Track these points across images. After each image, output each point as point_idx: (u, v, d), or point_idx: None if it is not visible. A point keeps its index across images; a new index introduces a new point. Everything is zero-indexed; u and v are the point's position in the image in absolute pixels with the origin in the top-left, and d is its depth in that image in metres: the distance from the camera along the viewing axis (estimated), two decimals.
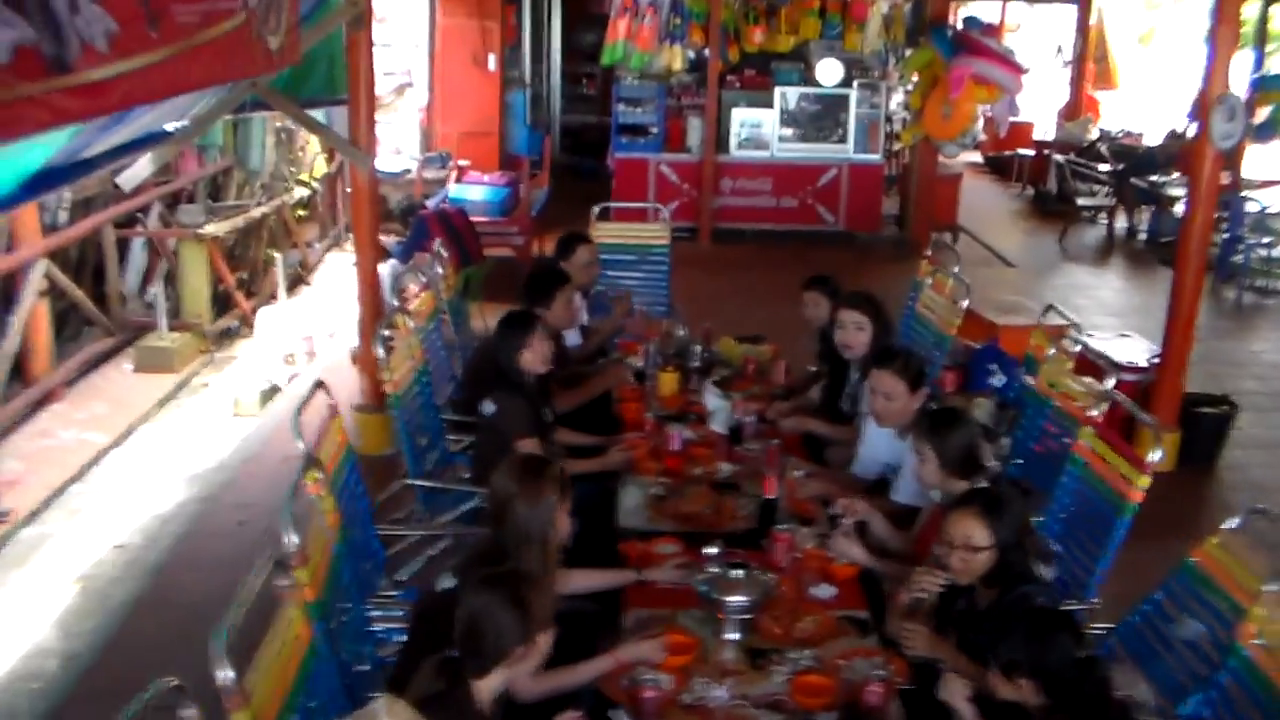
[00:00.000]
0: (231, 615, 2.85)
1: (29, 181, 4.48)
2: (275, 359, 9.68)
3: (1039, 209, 16.60)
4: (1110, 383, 5.08)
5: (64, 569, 6.28)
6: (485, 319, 9.74)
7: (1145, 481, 4.22)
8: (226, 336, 10.39)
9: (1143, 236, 14.85)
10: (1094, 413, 4.81)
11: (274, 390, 8.83)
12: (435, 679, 3.03)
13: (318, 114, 9.01)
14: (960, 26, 12.73)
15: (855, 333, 5.55)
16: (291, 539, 3.41)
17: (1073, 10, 19.56)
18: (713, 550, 4.11)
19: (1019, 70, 11.30)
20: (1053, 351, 5.58)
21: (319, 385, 4.47)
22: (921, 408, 4.77)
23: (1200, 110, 7.13)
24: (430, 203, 11.75)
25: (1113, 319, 11.22)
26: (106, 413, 8.42)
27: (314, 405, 4.40)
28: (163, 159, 8.74)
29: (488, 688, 3.10)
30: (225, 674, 2.72)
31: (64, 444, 7.83)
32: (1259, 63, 12.62)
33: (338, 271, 12.65)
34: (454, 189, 12.42)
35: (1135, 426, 6.54)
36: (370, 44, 7.31)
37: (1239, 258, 12.26)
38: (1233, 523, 3.91)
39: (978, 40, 11.43)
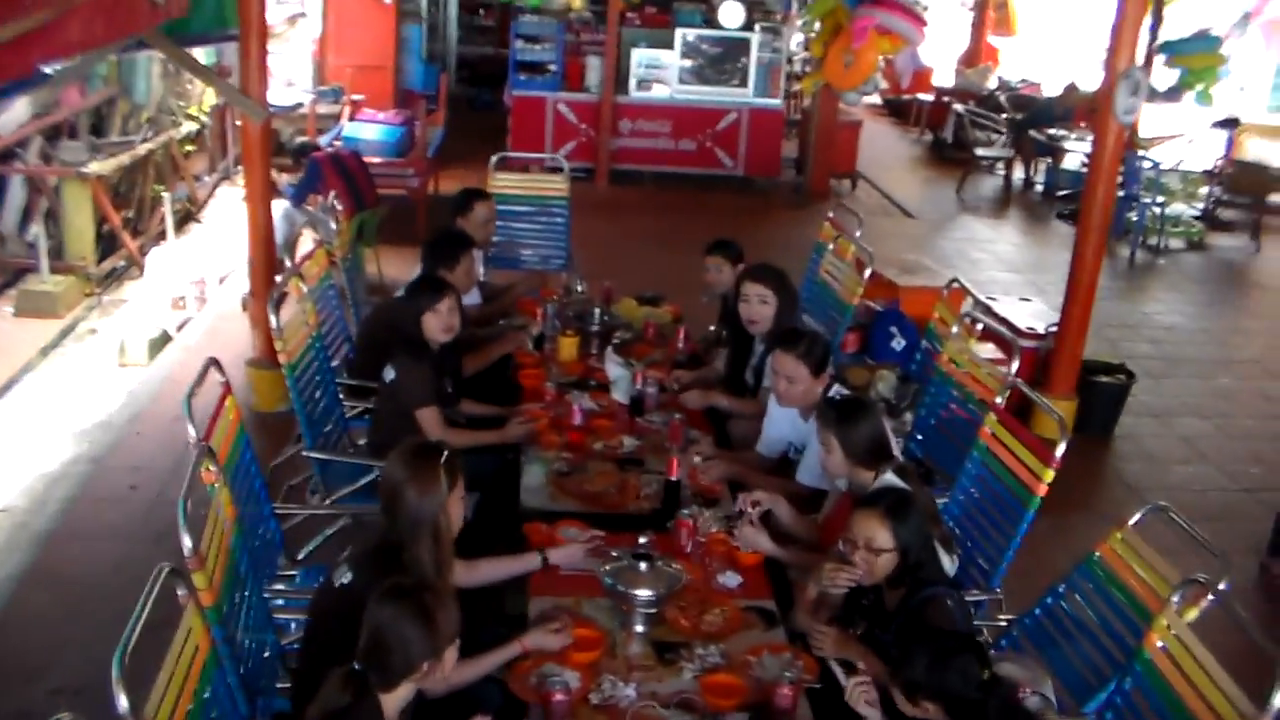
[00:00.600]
0: (127, 635, 2.74)
1: None
2: (165, 303, 9.43)
3: (937, 156, 16.74)
4: (1014, 366, 5.11)
5: None
6: (380, 265, 9.59)
7: (1050, 475, 4.27)
8: (113, 278, 10.09)
9: (1039, 188, 15.05)
10: (999, 400, 4.83)
11: (164, 339, 8.58)
12: (341, 692, 2.96)
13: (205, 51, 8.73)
14: None
15: (759, 306, 5.50)
16: (187, 542, 3.27)
17: None
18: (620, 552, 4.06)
19: (922, 22, 11.27)
20: (956, 330, 5.59)
21: (212, 363, 4.32)
22: (825, 391, 4.76)
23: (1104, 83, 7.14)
24: (323, 140, 11.46)
25: (1010, 275, 11.38)
26: None
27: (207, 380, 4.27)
28: (42, 102, 8.44)
29: (394, 700, 3.04)
30: (122, 703, 2.63)
31: None
32: (1155, 23, 12.72)
33: (228, 207, 12.34)
34: (347, 127, 12.15)
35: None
36: None
37: (1133, 215, 12.47)
38: (1135, 518, 3.96)
39: None
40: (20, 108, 6.04)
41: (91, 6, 4.06)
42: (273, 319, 5.10)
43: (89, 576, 5.59)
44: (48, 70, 5.55)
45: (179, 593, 3.12)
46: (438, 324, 5.20)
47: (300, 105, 12.93)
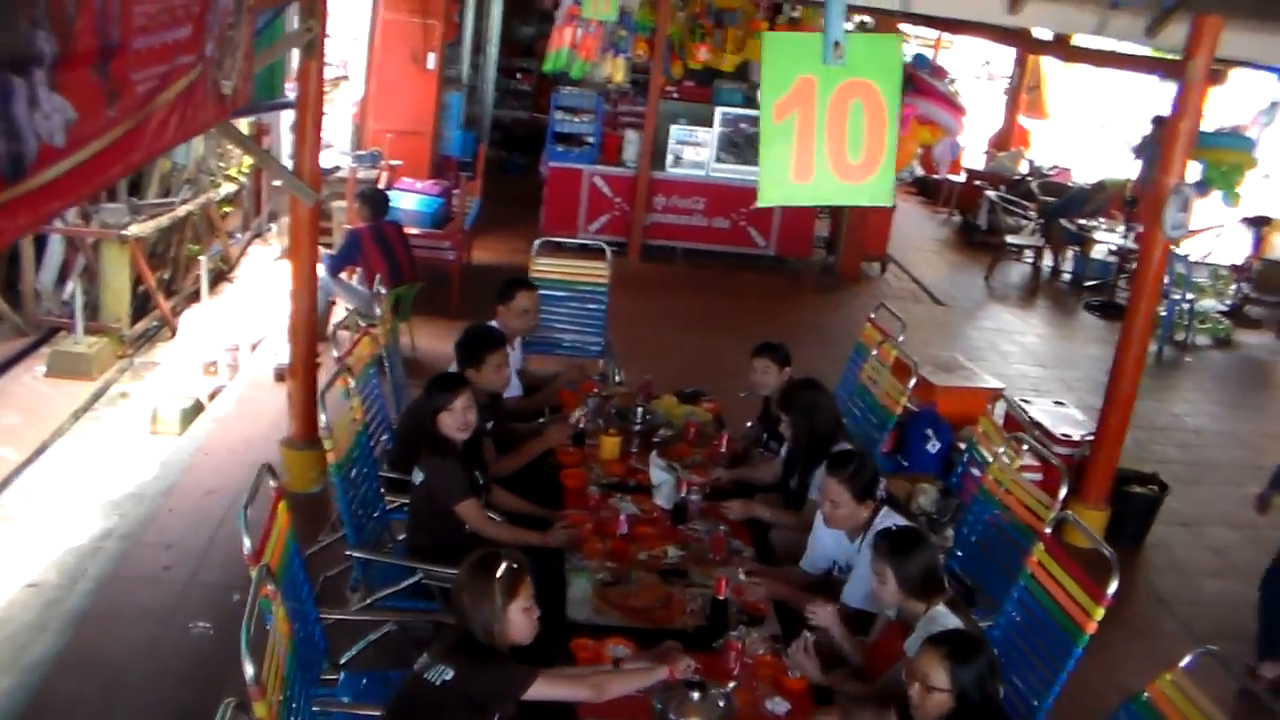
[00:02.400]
0: None
1: None
2: (197, 368, 9.44)
3: (967, 239, 16.72)
4: (1063, 493, 5.09)
5: None
6: (414, 338, 9.60)
7: (1100, 613, 4.23)
8: (146, 339, 10.12)
9: (1066, 277, 15.03)
10: (1049, 530, 4.80)
11: (196, 408, 8.57)
12: None
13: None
14: (909, 65, 12.75)
15: (789, 429, 5.57)
16: (250, 671, 3.24)
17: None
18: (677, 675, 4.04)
19: (962, 112, 11.33)
20: (1002, 450, 5.56)
21: (265, 470, 4.30)
22: (873, 516, 4.75)
23: (1152, 200, 7.13)
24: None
25: (1038, 370, 11.35)
26: (18, 423, 8.17)
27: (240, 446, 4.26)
28: None
29: None
30: None
31: None
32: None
33: (261, 266, 12.39)
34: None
35: (1067, 499, 6.60)
36: (322, 70, 7.08)
37: (1162, 311, 12.43)
38: (1185, 662, 3.92)
39: (925, 81, 11.43)
40: None
41: (166, 110, 4.06)
42: (322, 418, 5.09)
43: (122, 660, 5.55)
44: None
45: None
46: (453, 422, 5.18)
47: (339, 169, 12.99)
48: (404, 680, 3.93)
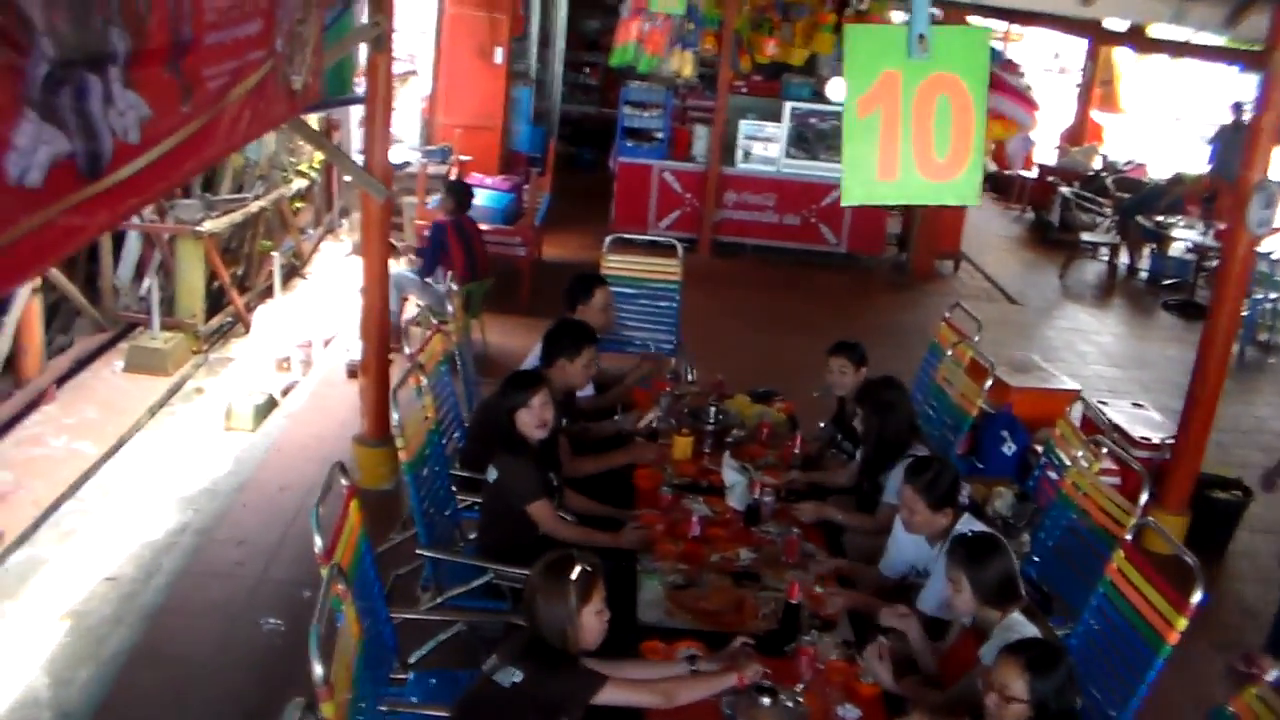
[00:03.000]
0: None
1: None
2: (270, 364, 9.52)
3: (1040, 237, 16.47)
4: (1144, 499, 4.96)
5: (55, 602, 6.14)
6: (485, 334, 9.60)
7: (1183, 624, 4.12)
8: (220, 335, 10.21)
9: (1144, 275, 14.75)
10: (1129, 537, 4.69)
11: (270, 405, 8.64)
12: None
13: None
14: None
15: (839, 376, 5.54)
16: (319, 671, 3.23)
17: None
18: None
19: (1034, 107, 11.16)
20: (1080, 453, 5.45)
21: (337, 467, 4.30)
22: (952, 524, 4.67)
23: (1235, 196, 6.95)
24: (430, 202, 11.53)
25: (1115, 370, 11.14)
26: (97, 418, 8.26)
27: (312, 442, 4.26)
28: None
29: None
30: None
31: (54, 453, 7.68)
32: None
33: (333, 262, 12.48)
34: None
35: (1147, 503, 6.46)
36: (390, 65, 7.07)
37: (1244, 311, 12.15)
38: (1272, 676, 3.80)
39: (997, 75, 11.28)
40: None
41: (239, 106, 4.07)
42: (394, 416, 5.08)
43: (194, 655, 5.59)
44: None
45: None
46: (531, 420, 5.12)
47: (409, 164, 13.03)
48: (472, 681, 3.91)
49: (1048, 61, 24.38)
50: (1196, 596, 4.13)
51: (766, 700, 3.84)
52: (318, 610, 3.39)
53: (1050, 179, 17.10)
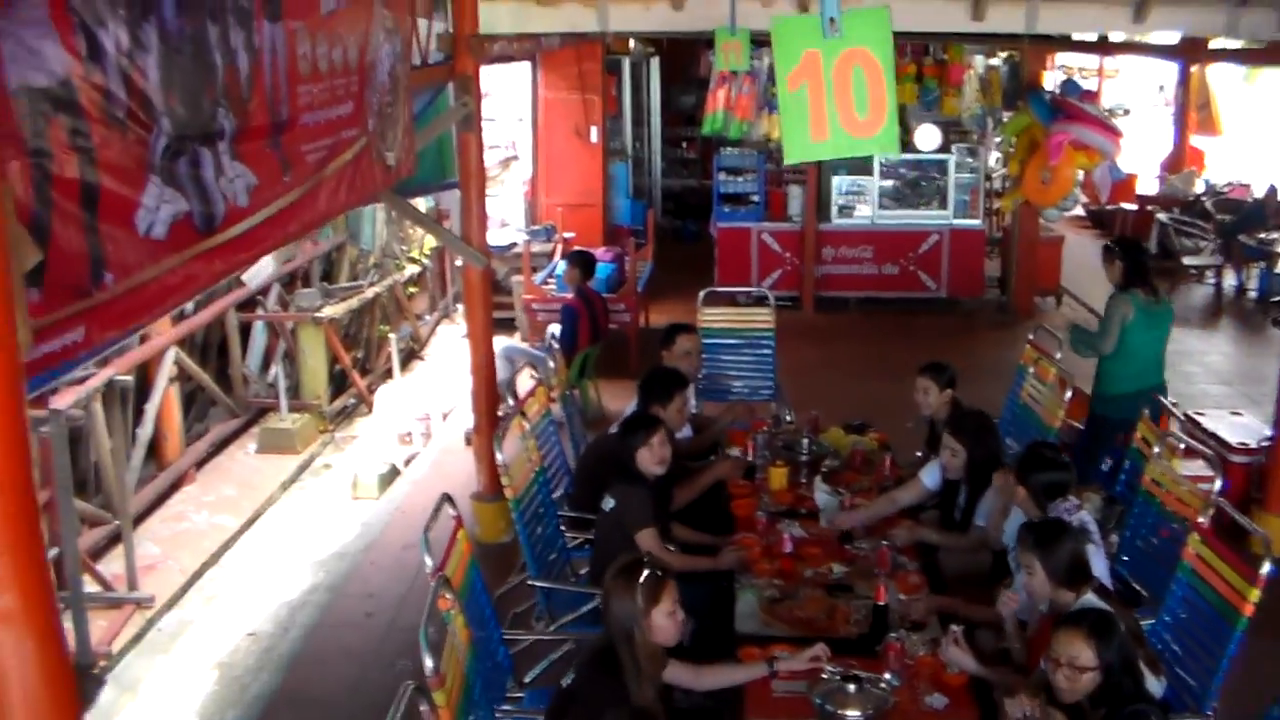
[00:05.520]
0: None
1: None
2: (392, 439, 9.99)
3: None
4: (1218, 484, 5.12)
5: (203, 656, 6.60)
6: (599, 396, 9.98)
7: (1256, 595, 4.27)
8: (344, 415, 10.73)
9: (1253, 295, 14.62)
10: (1202, 520, 4.85)
11: (393, 473, 9.10)
12: None
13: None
14: (1057, 91, 12.76)
15: (949, 458, 5.68)
16: (429, 664, 3.58)
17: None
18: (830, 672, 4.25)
19: (1117, 134, 11.27)
20: (1158, 449, 5.61)
21: (445, 499, 4.67)
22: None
23: None
24: (537, 278, 12.02)
25: (1222, 388, 11.12)
26: (234, 495, 8.77)
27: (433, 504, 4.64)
28: (286, 255, 9.16)
29: None
30: None
31: (196, 527, 8.18)
32: None
33: (449, 344, 12.97)
34: (560, 265, 12.66)
35: (1248, 507, 6.53)
36: (481, 143, 7.55)
37: None
38: None
39: (1075, 105, 11.41)
40: (267, 263, 6.68)
41: (336, 178, 4.51)
42: (499, 455, 5.45)
43: (329, 698, 5.99)
44: None
45: (421, 709, 3.40)
46: (651, 458, 5.46)
47: (514, 245, 13.54)
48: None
49: (1153, 96, 24.20)
50: (1266, 568, 4.28)
51: (852, 687, 4.08)
52: (425, 613, 3.74)
53: (1149, 208, 17.04)
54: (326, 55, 4.31)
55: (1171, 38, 11.10)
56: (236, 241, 3.34)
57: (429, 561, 4.24)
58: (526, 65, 14.87)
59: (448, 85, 7.50)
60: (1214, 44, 10.62)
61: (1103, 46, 14.96)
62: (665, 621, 4.04)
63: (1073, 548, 4.34)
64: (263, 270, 7.49)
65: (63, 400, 6.51)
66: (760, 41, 13.25)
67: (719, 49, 8.18)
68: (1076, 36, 12.49)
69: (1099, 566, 4.63)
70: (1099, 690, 3.76)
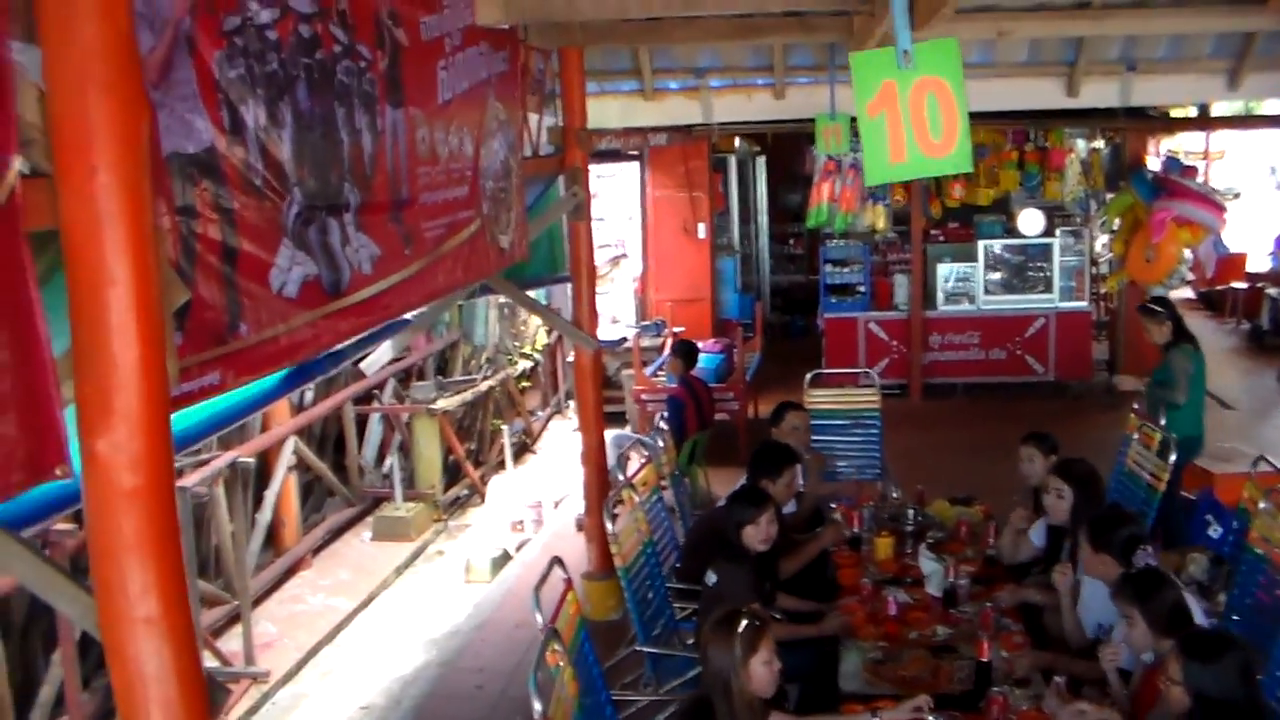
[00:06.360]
0: None
1: (289, 376, 5.07)
2: (504, 526, 10.21)
3: (1256, 345, 16.19)
4: None
5: None
6: (709, 482, 10.11)
7: None
8: (457, 505, 10.99)
9: None
10: None
11: (505, 557, 9.31)
12: None
13: (538, 293, 9.65)
14: (1159, 169, 12.80)
15: (1055, 500, 5.70)
16: (536, 706, 3.73)
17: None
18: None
19: (1221, 209, 11.26)
20: (1264, 505, 5.60)
21: (555, 562, 4.85)
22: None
23: None
24: (647, 371, 12.24)
25: None
26: (349, 579, 9.03)
27: (549, 578, 4.79)
28: (401, 345, 9.50)
29: None
30: None
31: (312, 609, 8.45)
32: None
33: (561, 439, 13.22)
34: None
35: None
36: (590, 231, 7.84)
37: None
38: None
39: (1177, 182, 11.46)
40: (383, 351, 6.98)
41: (453, 256, 4.79)
42: (609, 525, 5.62)
43: None
44: (409, 317, 6.46)
45: None
46: (756, 535, 5.54)
47: (625, 340, 13.79)
48: None
49: (1264, 178, 23.88)
50: None
51: None
52: (534, 663, 3.90)
53: (1259, 285, 16.84)
54: (444, 141, 4.61)
55: (1273, 106, 11.10)
56: (361, 305, 3.59)
57: (539, 618, 4.40)
58: (635, 166, 15.27)
59: (558, 179, 7.81)
60: None
61: (1202, 122, 14.95)
62: (762, 670, 4.11)
63: (1173, 595, 4.37)
64: (380, 359, 7.79)
65: (189, 480, 6.83)
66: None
67: (820, 134, 8.40)
68: (1177, 113, 12.50)
69: (1198, 614, 4.63)
70: (1191, 712, 3.80)
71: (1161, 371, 8.13)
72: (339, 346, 5.50)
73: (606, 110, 7.88)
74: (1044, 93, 8.13)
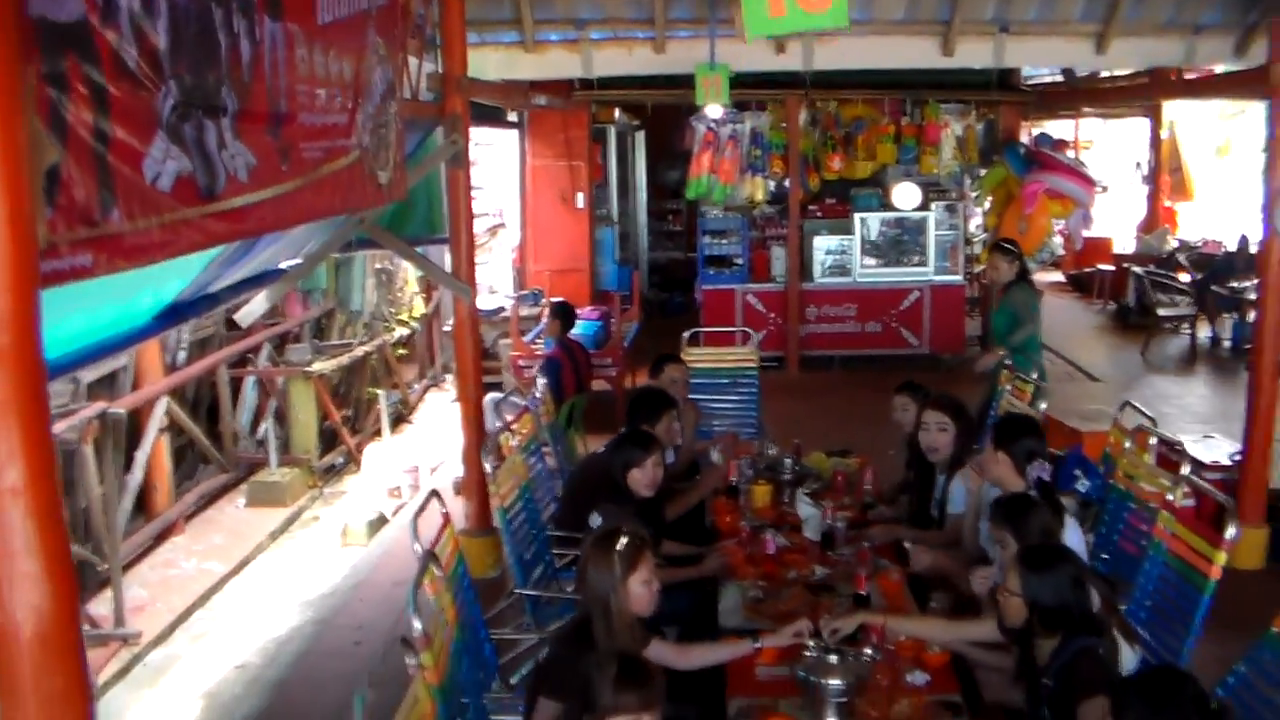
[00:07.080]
0: (367, 679, 3.13)
1: (162, 313, 4.93)
2: (381, 493, 10.06)
3: (1121, 323, 16.68)
4: (1186, 469, 5.27)
5: (189, 688, 6.63)
6: (587, 448, 10.07)
7: (1222, 558, 4.40)
8: (334, 472, 10.81)
9: (1228, 344, 14.86)
10: (1171, 497, 4.99)
11: (381, 520, 9.18)
12: None
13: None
14: (1031, 144, 13.09)
15: (938, 434, 5.78)
16: (416, 624, 3.67)
17: (1146, 124, 19.85)
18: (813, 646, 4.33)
19: (1090, 182, 11.55)
20: (1129, 444, 5.76)
21: (434, 494, 4.79)
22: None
23: (1268, 207, 7.32)
24: (526, 338, 12.17)
25: (1198, 425, 11.25)
26: (223, 544, 8.82)
27: (427, 515, 4.74)
28: (277, 295, 9.30)
29: None
30: None
31: (185, 573, 8.23)
32: None
33: (437, 410, 13.08)
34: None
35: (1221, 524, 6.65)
36: (469, 180, 7.75)
37: None
38: None
39: (1049, 155, 11.74)
40: (258, 303, 6.80)
41: (332, 182, 4.70)
42: (487, 465, 5.57)
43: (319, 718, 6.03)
44: (283, 266, 6.33)
45: (408, 662, 3.49)
46: (643, 479, 5.52)
47: (503, 310, 13.70)
48: None
49: (1129, 173, 24.53)
50: (1231, 532, 4.42)
51: (834, 658, 4.17)
52: (413, 582, 3.85)
53: (1126, 265, 17.34)
54: (324, 65, 4.50)
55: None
56: (237, 213, 3.50)
57: (418, 547, 4.34)
58: (514, 134, 15.18)
59: (437, 129, 7.71)
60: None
61: (1070, 95, 15.29)
62: (642, 590, 4.10)
63: (1044, 520, 4.46)
64: (255, 310, 7.58)
65: (57, 427, 6.60)
66: (740, 104, 13.74)
67: (699, 84, 8.37)
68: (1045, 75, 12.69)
69: (1074, 540, 4.72)
70: (1029, 621, 3.92)
71: (1002, 311, 8.61)
72: (216, 288, 5.40)
73: (486, 61, 7.80)
74: (919, 51, 8.22)
